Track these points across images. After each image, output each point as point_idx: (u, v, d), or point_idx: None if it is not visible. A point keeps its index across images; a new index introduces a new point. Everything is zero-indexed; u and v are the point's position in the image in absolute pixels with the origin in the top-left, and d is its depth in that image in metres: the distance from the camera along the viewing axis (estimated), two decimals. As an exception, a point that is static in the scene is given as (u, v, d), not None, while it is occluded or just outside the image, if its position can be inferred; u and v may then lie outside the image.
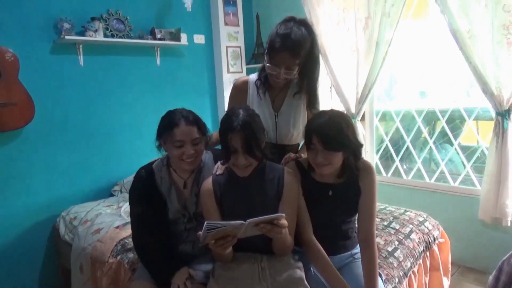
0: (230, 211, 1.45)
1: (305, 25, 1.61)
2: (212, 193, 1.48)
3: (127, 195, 2.78)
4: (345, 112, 3.00)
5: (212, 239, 1.22)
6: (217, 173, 1.53)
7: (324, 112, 1.52)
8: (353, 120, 3.10)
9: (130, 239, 2.10)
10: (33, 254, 2.71)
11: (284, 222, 1.26)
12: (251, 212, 1.21)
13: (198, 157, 1.57)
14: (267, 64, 1.63)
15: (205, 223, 1.15)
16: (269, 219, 1.22)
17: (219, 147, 1.56)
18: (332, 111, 1.53)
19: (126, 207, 2.55)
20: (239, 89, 1.83)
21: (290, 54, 1.56)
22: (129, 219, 2.34)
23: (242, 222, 1.18)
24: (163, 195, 1.61)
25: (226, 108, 1.98)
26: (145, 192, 1.60)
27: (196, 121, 1.56)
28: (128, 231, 2.18)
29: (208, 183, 1.50)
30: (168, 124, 1.53)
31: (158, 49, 3.21)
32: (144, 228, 1.60)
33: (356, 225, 1.63)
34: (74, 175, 2.83)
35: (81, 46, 2.77)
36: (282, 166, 1.55)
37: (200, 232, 1.17)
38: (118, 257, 2.01)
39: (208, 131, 1.63)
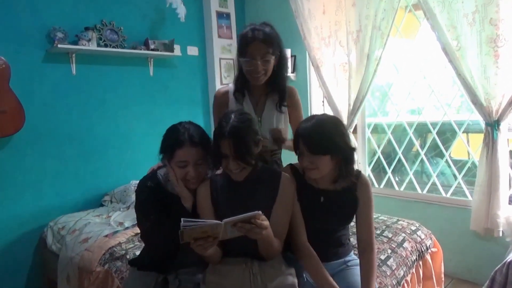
0: (223, 212, 1.43)
1: (270, 26, 1.67)
2: (209, 193, 1.46)
3: (117, 205, 2.76)
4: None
5: (191, 237, 1.17)
6: (216, 172, 1.52)
7: (312, 116, 1.51)
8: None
9: (119, 248, 2.07)
10: (19, 266, 2.64)
11: (264, 222, 1.24)
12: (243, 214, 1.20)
13: (200, 178, 1.48)
14: (243, 60, 1.64)
15: (181, 220, 1.12)
16: (246, 217, 1.20)
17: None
18: (321, 115, 1.52)
19: (116, 216, 2.51)
20: (220, 101, 1.81)
21: (262, 42, 1.59)
22: (118, 228, 2.34)
23: (219, 222, 1.16)
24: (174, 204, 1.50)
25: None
26: (158, 200, 1.49)
27: (201, 141, 1.46)
28: (116, 239, 2.15)
29: (206, 182, 1.49)
30: (172, 144, 1.45)
31: (152, 59, 3.22)
32: (162, 233, 1.47)
33: (350, 232, 1.62)
34: (64, 184, 2.78)
35: (74, 55, 2.77)
36: (279, 170, 1.54)
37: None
38: (106, 266, 1.97)
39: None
